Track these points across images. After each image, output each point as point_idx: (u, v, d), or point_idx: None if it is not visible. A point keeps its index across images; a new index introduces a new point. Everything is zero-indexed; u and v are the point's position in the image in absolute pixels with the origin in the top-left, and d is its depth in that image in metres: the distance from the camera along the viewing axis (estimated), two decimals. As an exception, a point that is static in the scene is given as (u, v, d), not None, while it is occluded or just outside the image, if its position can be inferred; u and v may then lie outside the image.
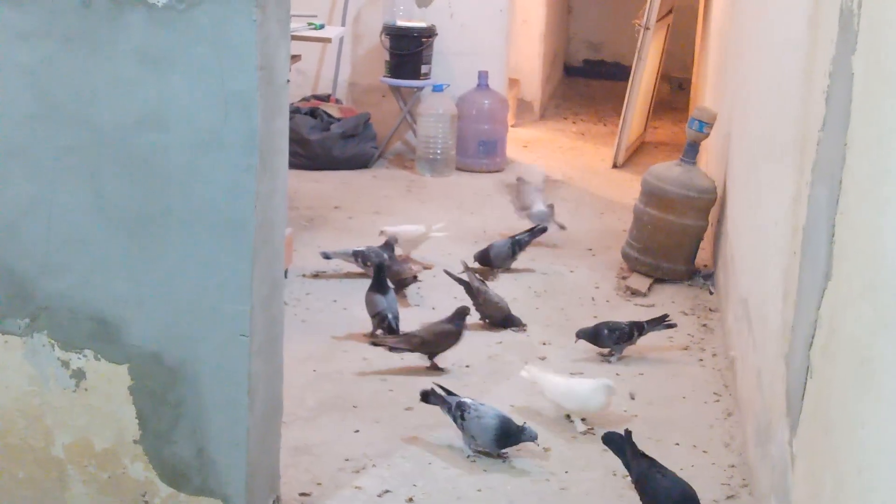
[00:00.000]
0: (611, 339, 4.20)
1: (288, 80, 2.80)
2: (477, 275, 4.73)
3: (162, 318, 2.71)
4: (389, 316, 4.31)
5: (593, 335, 4.24)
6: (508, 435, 3.45)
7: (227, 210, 2.64)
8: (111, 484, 2.81)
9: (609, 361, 4.20)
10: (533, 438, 3.45)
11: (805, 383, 2.53)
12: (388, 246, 5.02)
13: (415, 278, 4.91)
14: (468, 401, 3.53)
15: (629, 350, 4.28)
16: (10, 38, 2.60)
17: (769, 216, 3.44)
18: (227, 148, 2.61)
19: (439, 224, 5.42)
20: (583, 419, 3.72)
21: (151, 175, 2.64)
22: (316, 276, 5.06)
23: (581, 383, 3.78)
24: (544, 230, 5.35)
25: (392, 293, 4.43)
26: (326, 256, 5.03)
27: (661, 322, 4.28)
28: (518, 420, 3.52)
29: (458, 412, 3.49)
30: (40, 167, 2.66)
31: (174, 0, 2.54)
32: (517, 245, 5.20)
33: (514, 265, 5.21)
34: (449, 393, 3.59)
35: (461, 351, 4.33)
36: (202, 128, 2.60)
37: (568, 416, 3.75)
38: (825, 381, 2.33)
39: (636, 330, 4.24)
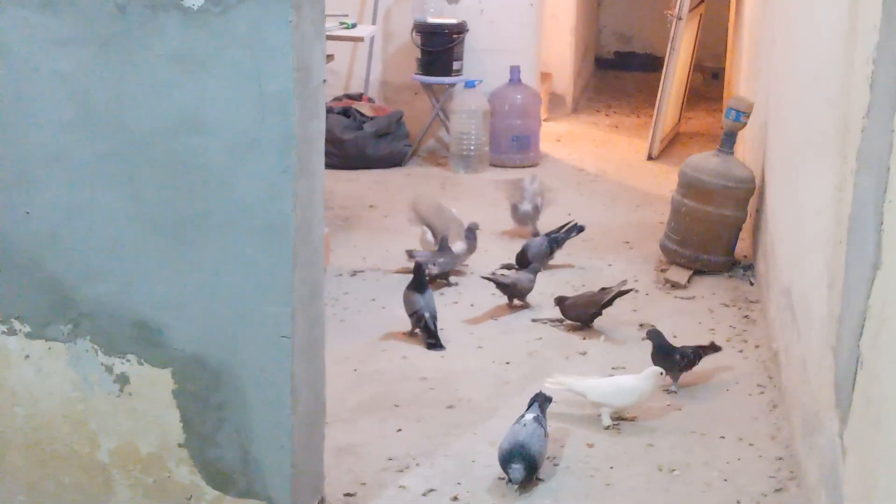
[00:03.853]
0: (679, 364, 3.94)
1: (324, 81, 2.79)
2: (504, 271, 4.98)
3: (203, 322, 2.71)
4: (426, 315, 4.30)
5: (665, 351, 3.95)
6: (506, 460, 3.25)
7: (266, 212, 2.63)
8: (156, 488, 2.82)
9: (669, 391, 3.91)
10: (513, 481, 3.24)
11: (855, 375, 2.49)
12: (471, 232, 5.07)
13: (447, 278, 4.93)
14: (528, 416, 3.36)
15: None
16: (47, 46, 2.61)
17: (811, 205, 3.40)
18: (264, 150, 2.60)
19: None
20: (620, 416, 3.68)
21: (190, 178, 2.64)
22: (354, 275, 5.05)
23: (626, 379, 3.74)
24: (582, 229, 5.31)
25: (430, 292, 4.41)
26: (412, 256, 5.02)
27: (712, 348, 4.07)
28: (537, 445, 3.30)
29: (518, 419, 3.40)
30: (80, 173, 2.67)
31: (209, 3, 2.54)
32: (554, 243, 5.17)
33: (550, 262, 5.18)
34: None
35: (501, 347, 4.32)
36: (239, 130, 2.60)
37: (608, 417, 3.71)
38: (877, 372, 2.29)
39: (697, 357, 4.00)
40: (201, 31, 2.55)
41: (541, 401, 3.46)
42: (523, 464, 3.22)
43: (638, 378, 3.70)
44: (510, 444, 3.27)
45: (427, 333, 4.28)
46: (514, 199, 5.69)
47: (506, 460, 3.25)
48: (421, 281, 4.39)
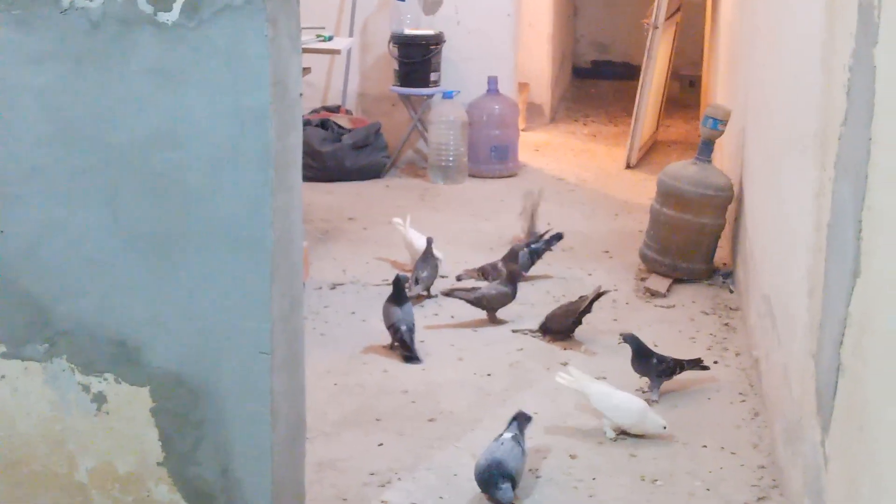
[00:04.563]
0: (656, 369, 3.95)
1: (301, 94, 2.77)
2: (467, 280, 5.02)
3: (182, 339, 2.69)
4: (403, 328, 4.28)
5: (642, 355, 3.96)
6: (485, 483, 3.24)
7: (244, 227, 2.61)
8: (136, 507, 2.78)
9: (650, 400, 3.88)
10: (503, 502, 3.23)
11: (836, 382, 2.49)
12: (513, 253, 5.05)
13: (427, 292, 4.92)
14: (506, 434, 3.34)
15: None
16: (22, 62, 2.58)
17: (790, 213, 3.40)
18: (242, 164, 2.58)
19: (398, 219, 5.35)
20: (623, 431, 3.67)
21: (168, 193, 2.62)
22: (334, 288, 5.03)
23: (631, 400, 3.69)
24: (560, 237, 5.30)
25: (409, 305, 4.40)
26: (459, 279, 5.06)
27: (697, 364, 4.04)
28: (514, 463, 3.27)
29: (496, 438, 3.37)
30: (57, 189, 2.64)
31: (183, 18, 2.52)
32: (534, 254, 5.17)
33: (530, 272, 5.17)
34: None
35: (481, 358, 4.31)
36: (217, 144, 2.58)
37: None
38: (858, 379, 2.29)
39: (678, 367, 4.00)
40: (176, 45, 2.54)
41: (521, 420, 3.43)
42: (509, 483, 3.19)
43: (645, 408, 3.66)
44: (487, 462, 3.24)
45: (403, 346, 4.27)
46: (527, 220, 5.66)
47: (485, 480, 3.22)
48: (399, 294, 4.37)
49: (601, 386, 3.75)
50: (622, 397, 3.70)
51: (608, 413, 3.65)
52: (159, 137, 2.58)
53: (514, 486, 3.23)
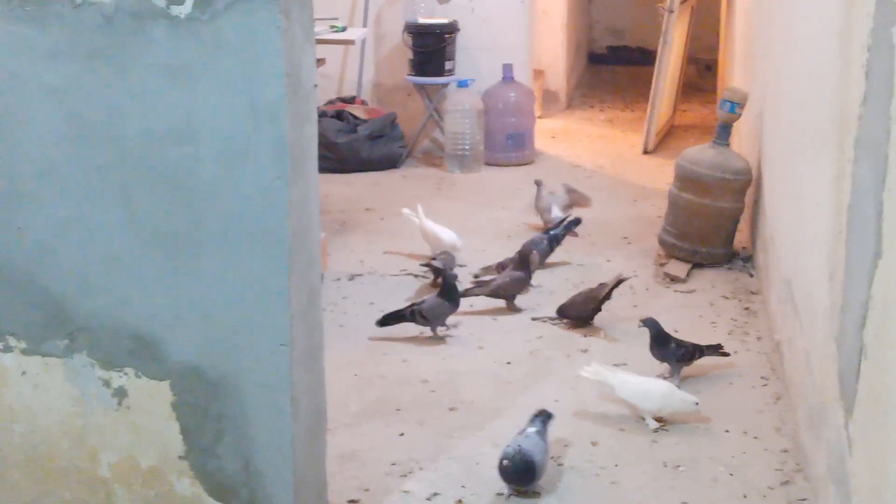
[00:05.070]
0: (675, 355, 3.93)
1: (315, 86, 2.76)
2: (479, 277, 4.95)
3: (201, 333, 2.69)
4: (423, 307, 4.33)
5: (661, 341, 3.95)
6: (510, 474, 3.22)
7: (260, 220, 2.61)
8: (158, 501, 2.79)
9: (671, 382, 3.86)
10: None
11: (859, 365, 2.47)
12: (524, 257, 4.90)
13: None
14: (530, 429, 3.31)
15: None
16: (35, 59, 2.58)
17: (810, 195, 3.38)
18: (257, 157, 2.58)
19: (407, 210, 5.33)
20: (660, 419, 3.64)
21: (183, 189, 2.62)
22: (352, 279, 5.03)
23: (657, 384, 3.67)
24: (578, 222, 5.28)
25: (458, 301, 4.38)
26: (476, 276, 5.03)
27: (716, 350, 4.03)
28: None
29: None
30: (72, 187, 2.64)
31: (197, 11, 2.51)
32: (553, 241, 5.14)
33: (549, 259, 5.16)
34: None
35: (501, 347, 4.30)
36: (231, 138, 2.57)
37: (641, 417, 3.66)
38: (882, 362, 2.27)
39: (697, 352, 3.98)
40: (189, 39, 2.53)
41: (544, 417, 3.40)
42: (533, 474, 3.18)
43: (671, 388, 3.64)
44: (512, 451, 3.23)
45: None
46: (539, 206, 5.64)
47: (510, 472, 3.20)
48: (451, 291, 4.36)
49: (624, 375, 3.73)
50: (646, 382, 3.68)
51: (635, 400, 3.63)
52: (173, 132, 2.58)
53: (538, 478, 3.22)
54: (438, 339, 4.33)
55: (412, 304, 4.37)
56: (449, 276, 4.43)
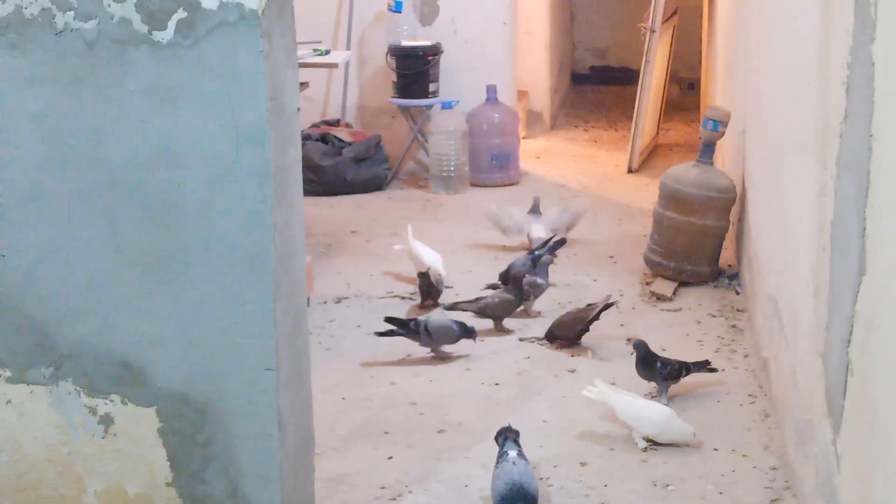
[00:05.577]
0: (661, 374, 3.92)
1: (298, 109, 2.77)
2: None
3: (186, 358, 2.68)
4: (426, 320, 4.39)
5: (646, 360, 3.94)
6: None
7: (245, 244, 2.60)
8: (146, 528, 2.77)
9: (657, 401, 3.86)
10: None
11: (846, 381, 2.47)
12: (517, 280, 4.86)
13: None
14: (511, 452, 3.24)
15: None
16: (17, 85, 2.58)
17: (793, 212, 3.39)
18: (241, 181, 2.57)
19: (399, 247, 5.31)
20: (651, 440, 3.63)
21: (167, 213, 2.61)
22: (339, 301, 5.02)
23: (657, 409, 3.66)
24: (563, 242, 5.29)
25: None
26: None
27: (704, 366, 4.02)
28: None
29: (499, 456, 3.26)
30: (55, 211, 2.63)
31: (179, 36, 2.52)
32: (538, 260, 5.14)
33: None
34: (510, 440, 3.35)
35: (489, 368, 4.29)
36: (215, 162, 2.57)
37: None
38: (868, 378, 2.28)
39: (684, 369, 3.97)
40: (172, 64, 2.53)
41: (514, 437, 3.33)
42: None
43: (672, 415, 3.63)
44: (507, 487, 3.12)
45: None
46: (504, 226, 5.65)
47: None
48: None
49: (626, 397, 3.72)
50: (647, 406, 3.68)
51: (634, 423, 3.62)
52: (157, 157, 2.58)
53: None
54: (428, 360, 4.32)
55: (415, 319, 4.37)
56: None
